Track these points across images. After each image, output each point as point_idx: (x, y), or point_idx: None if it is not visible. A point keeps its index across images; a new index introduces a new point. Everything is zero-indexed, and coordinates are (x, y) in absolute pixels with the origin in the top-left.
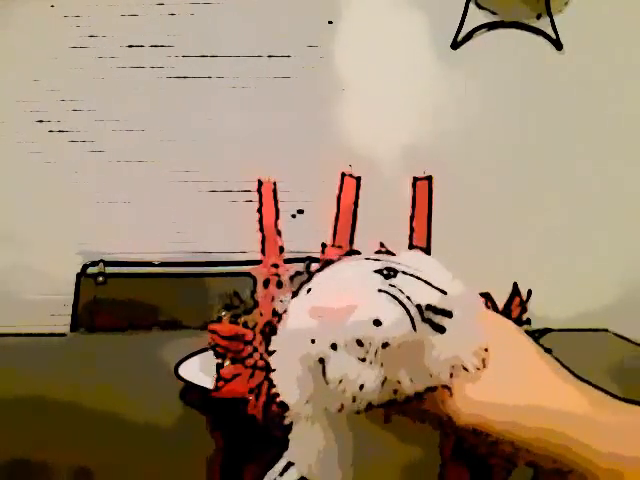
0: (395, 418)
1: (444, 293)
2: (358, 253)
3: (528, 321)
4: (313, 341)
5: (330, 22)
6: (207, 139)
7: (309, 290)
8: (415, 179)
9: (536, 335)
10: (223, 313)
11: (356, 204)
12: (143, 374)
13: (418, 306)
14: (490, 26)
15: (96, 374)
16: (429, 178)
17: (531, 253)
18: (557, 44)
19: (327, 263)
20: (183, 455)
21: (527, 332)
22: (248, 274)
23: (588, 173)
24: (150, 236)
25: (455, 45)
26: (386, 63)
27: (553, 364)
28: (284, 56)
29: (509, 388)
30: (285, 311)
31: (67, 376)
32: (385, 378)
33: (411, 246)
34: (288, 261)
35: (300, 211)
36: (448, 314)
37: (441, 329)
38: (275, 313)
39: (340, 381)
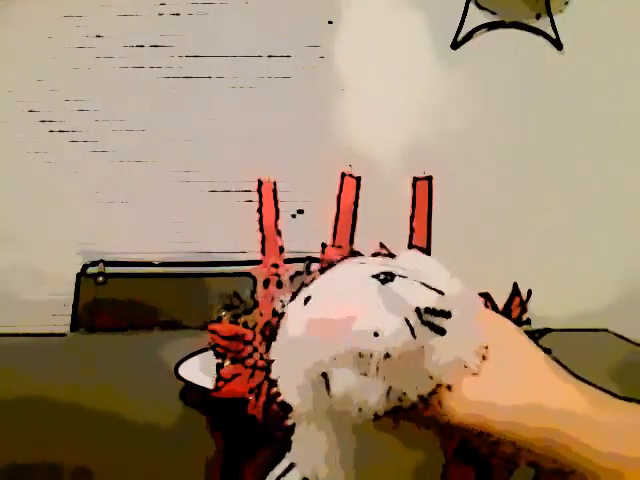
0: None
1: (442, 294)
2: (358, 253)
3: (528, 321)
4: (315, 358)
5: (330, 22)
6: (207, 139)
7: (308, 298)
8: (415, 179)
9: (536, 335)
10: (223, 313)
11: (356, 204)
12: (143, 374)
13: (417, 309)
14: (490, 26)
15: (96, 374)
16: (429, 178)
17: (531, 253)
18: (557, 44)
19: (326, 267)
20: (183, 455)
21: (527, 332)
22: (248, 274)
23: (588, 173)
24: (150, 236)
25: (455, 45)
26: (386, 63)
27: (552, 364)
28: (284, 56)
29: (509, 388)
30: (283, 314)
31: (67, 376)
32: (389, 388)
33: (411, 246)
34: (288, 261)
35: (300, 211)
36: (447, 315)
37: (441, 331)
38: (275, 313)
39: (345, 395)
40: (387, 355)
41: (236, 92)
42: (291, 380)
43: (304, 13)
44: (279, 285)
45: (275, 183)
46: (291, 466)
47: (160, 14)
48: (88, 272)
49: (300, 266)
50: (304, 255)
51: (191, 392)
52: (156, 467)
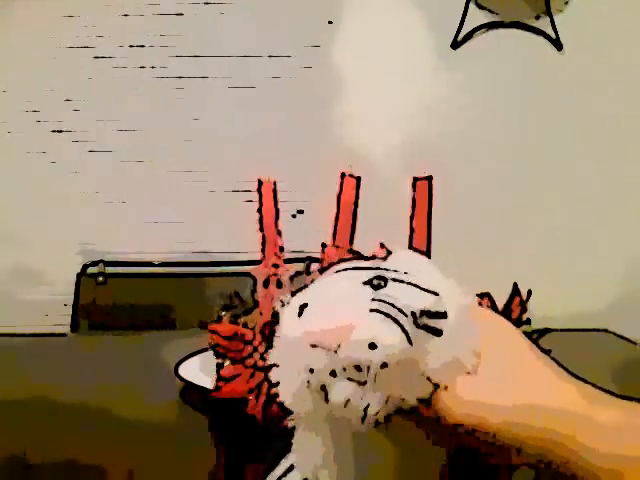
0: (396, 423)
1: (436, 294)
2: (358, 253)
3: (528, 321)
4: (312, 370)
5: (330, 22)
6: (207, 139)
7: (302, 307)
8: (415, 179)
9: (536, 335)
10: (223, 313)
11: (356, 204)
12: (143, 374)
13: (412, 313)
14: (490, 26)
15: (96, 374)
16: (429, 178)
17: (531, 253)
18: (557, 44)
19: (325, 268)
20: (183, 455)
21: (527, 332)
22: (248, 274)
23: (588, 173)
24: (150, 236)
25: (455, 45)
26: (386, 63)
27: (551, 364)
28: (284, 56)
29: (507, 387)
30: (279, 320)
31: (67, 376)
32: (388, 396)
33: (411, 246)
34: (288, 261)
35: (300, 211)
36: (443, 315)
37: (438, 332)
38: (275, 313)
39: (344, 406)
40: (384, 365)
41: (236, 92)
42: (290, 387)
43: (304, 13)
44: (279, 285)
45: (275, 183)
46: (292, 467)
47: (160, 14)
48: (88, 272)
49: (300, 266)
50: (304, 255)
51: (191, 392)
52: (156, 467)
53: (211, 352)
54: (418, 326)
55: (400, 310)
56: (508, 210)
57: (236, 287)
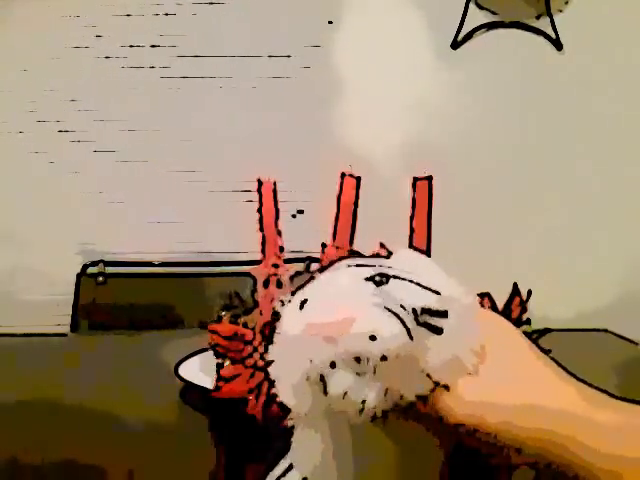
0: (396, 421)
1: (438, 293)
2: (358, 253)
3: (528, 321)
4: (312, 362)
5: (330, 22)
6: (207, 139)
7: (303, 302)
8: (415, 179)
9: (536, 335)
10: (223, 313)
11: (356, 204)
12: (143, 374)
13: (413, 310)
14: (490, 26)
15: (96, 374)
16: (429, 178)
17: (531, 253)
18: (557, 44)
19: (325, 267)
20: (183, 455)
21: (527, 332)
22: (248, 274)
23: (588, 173)
24: (150, 236)
25: (455, 45)
26: (386, 63)
27: (551, 364)
28: (284, 56)
29: (506, 387)
30: (280, 318)
31: (67, 376)
32: (386, 390)
33: (411, 246)
34: (288, 261)
35: (300, 211)
36: (444, 314)
37: (438, 330)
38: (275, 313)
39: (342, 398)
40: (384, 358)
41: (236, 92)
42: (288, 382)
43: (304, 13)
44: (279, 285)
45: (275, 183)
46: (291, 466)
47: (160, 14)
48: (88, 272)
49: (300, 266)
50: (304, 255)
51: (191, 392)
52: (156, 467)
53: (211, 352)
54: (419, 323)
55: (401, 306)
56: (508, 210)
57: (236, 287)
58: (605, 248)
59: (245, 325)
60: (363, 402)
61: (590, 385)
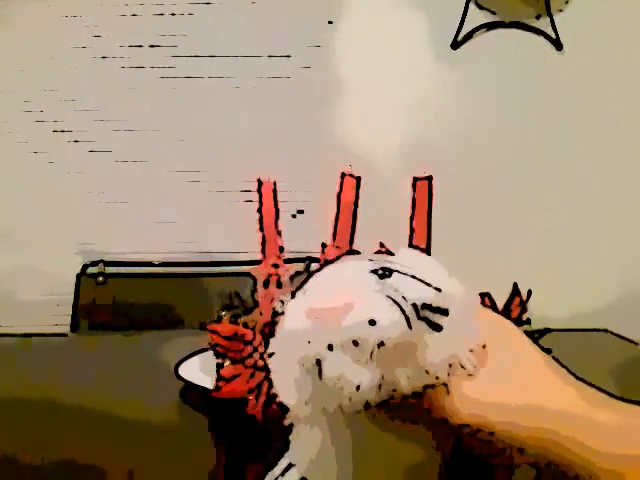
0: (394, 420)
1: (440, 291)
2: (358, 253)
3: (528, 321)
4: (310, 343)
5: (330, 22)
6: (207, 139)
7: (306, 292)
8: (415, 179)
9: (536, 335)
10: (223, 313)
11: (356, 204)
12: (143, 374)
13: (414, 305)
14: (490, 26)
15: (96, 374)
16: (429, 178)
17: (531, 253)
18: (557, 44)
19: (325, 264)
20: (183, 455)
21: (527, 332)
22: (248, 274)
23: (588, 173)
24: (150, 236)
25: (455, 45)
26: (386, 63)
27: (552, 364)
28: (284, 56)
29: (508, 387)
30: (283, 312)
31: (67, 376)
32: (382, 377)
33: (411, 246)
34: (288, 261)
35: (300, 211)
36: (444, 312)
37: (438, 327)
38: (275, 313)
39: (337, 380)
40: (382, 344)
41: (236, 92)
42: (286, 373)
43: (304, 13)
44: (279, 285)
45: (275, 183)
46: (290, 465)
47: (160, 14)
48: (88, 272)
49: (300, 266)
50: (304, 255)
51: (191, 392)
52: (156, 467)
53: (211, 352)
54: (419, 317)
55: (403, 297)
56: (508, 210)
57: (236, 287)
58: (605, 248)
59: (245, 325)
60: (357, 388)
61: (590, 385)
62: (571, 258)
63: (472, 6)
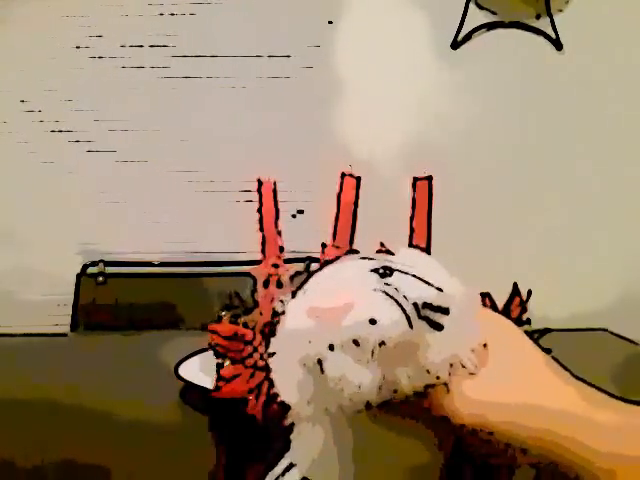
0: (396, 420)
1: (440, 290)
2: (358, 253)
3: (528, 321)
4: (311, 343)
5: (330, 22)
6: (207, 139)
7: (306, 291)
8: (415, 179)
9: (536, 335)
10: (223, 313)
11: (356, 204)
12: (143, 374)
13: (415, 304)
14: (490, 26)
15: (96, 374)
16: (429, 178)
17: (531, 253)
18: (557, 44)
19: (325, 263)
20: (183, 455)
21: (527, 332)
22: (248, 274)
23: (588, 173)
24: (150, 236)
25: (455, 45)
26: (386, 63)
27: (552, 364)
28: (284, 56)
29: (508, 387)
30: (283, 312)
31: (67, 376)
32: (383, 377)
33: (411, 246)
34: (288, 261)
35: (300, 211)
36: (445, 311)
37: (438, 326)
38: (275, 313)
39: (338, 380)
40: (382, 343)
41: (236, 92)
42: (288, 373)
43: (304, 13)
44: (279, 285)
45: (275, 183)
46: (291, 465)
47: (160, 14)
48: (88, 272)
49: (300, 266)
50: (304, 255)
51: (191, 392)
52: (156, 467)
53: (211, 352)
54: (420, 317)
55: (404, 296)
56: (508, 210)
57: (236, 287)
58: (605, 248)
59: (245, 325)
60: (359, 388)
61: (590, 385)
62: (571, 258)
63: (472, 6)
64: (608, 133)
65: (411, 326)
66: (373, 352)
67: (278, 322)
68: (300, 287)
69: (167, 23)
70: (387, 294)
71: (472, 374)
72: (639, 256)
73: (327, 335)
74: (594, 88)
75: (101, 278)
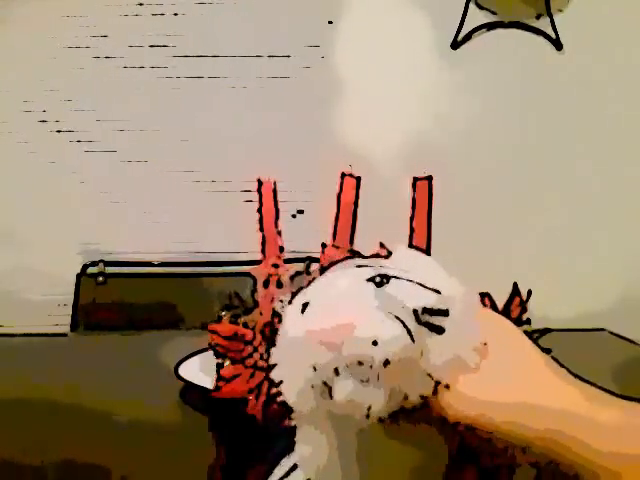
0: (400, 424)
1: (438, 292)
2: (358, 253)
3: (528, 321)
4: (316, 371)
5: (330, 22)
6: (207, 139)
7: (305, 305)
8: (415, 179)
9: (536, 335)
10: (223, 313)
11: (356, 204)
12: (143, 374)
13: (414, 310)
14: (490, 26)
15: (96, 374)
16: (429, 178)
17: (531, 253)
18: (557, 44)
19: (325, 267)
20: (183, 455)
21: (527, 332)
22: (248, 274)
23: (588, 173)
24: (150, 236)
25: (455, 45)
26: (386, 63)
27: (552, 364)
28: (284, 56)
29: (508, 387)
30: (281, 316)
31: (67, 376)
32: (390, 392)
33: (411, 246)
34: (288, 261)
35: (300, 211)
36: (445, 313)
37: (439, 330)
38: (275, 313)
39: (347, 405)
40: (387, 362)
41: (236, 92)
42: (293, 385)
43: (304, 13)
44: (279, 285)
45: (275, 183)
46: (294, 467)
47: (160, 14)
48: (88, 272)
49: (300, 266)
50: (304, 255)
51: (191, 392)
52: (156, 467)
53: (211, 352)
54: (420, 323)
55: (402, 307)
56: (508, 210)
57: (236, 287)
58: (605, 248)
59: (245, 325)
60: (369, 407)
61: (592, 384)
62: (571, 258)
63: (472, 6)
64: (608, 133)
65: (413, 339)
66: (378, 372)
67: (277, 331)
68: (298, 292)
69: (168, 23)
70: (386, 309)
71: (474, 374)
72: (639, 256)
73: (331, 361)
74: (594, 88)
75: (101, 278)
